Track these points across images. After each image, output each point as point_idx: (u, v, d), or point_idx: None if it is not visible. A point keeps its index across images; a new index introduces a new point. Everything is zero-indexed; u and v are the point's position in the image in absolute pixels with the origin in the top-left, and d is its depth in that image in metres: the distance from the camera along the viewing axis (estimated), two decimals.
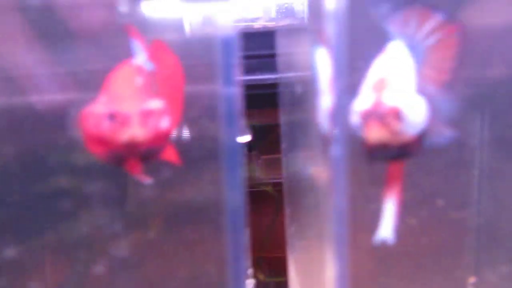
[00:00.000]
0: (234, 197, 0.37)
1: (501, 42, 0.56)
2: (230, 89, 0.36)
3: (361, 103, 0.42)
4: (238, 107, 0.37)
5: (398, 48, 0.46)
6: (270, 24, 0.83)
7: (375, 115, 0.40)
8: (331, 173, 0.39)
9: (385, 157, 0.44)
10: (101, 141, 0.37)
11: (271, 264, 1.00)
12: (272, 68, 0.76)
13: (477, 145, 0.61)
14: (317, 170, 0.54)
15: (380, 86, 0.42)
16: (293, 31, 0.70)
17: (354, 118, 0.42)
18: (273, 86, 0.74)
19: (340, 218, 0.39)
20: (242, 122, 0.62)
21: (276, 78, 0.74)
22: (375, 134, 0.41)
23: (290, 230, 0.77)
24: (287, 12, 0.84)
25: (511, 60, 0.57)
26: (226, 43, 0.36)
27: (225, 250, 0.39)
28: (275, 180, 0.93)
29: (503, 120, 0.60)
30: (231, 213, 0.37)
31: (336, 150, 0.38)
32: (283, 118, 0.74)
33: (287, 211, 0.77)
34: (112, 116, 0.36)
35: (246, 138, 0.61)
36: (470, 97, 0.58)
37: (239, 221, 0.37)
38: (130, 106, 0.37)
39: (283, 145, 0.76)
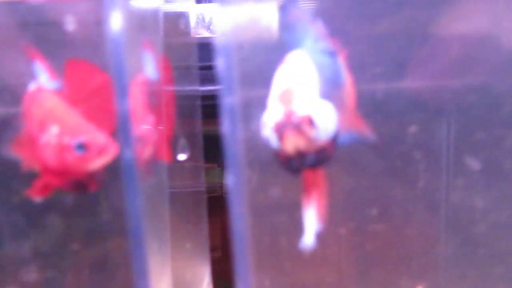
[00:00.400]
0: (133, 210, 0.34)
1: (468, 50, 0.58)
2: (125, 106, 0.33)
3: (272, 116, 0.41)
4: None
5: (298, 57, 0.46)
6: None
7: (290, 125, 0.40)
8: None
9: (303, 165, 0.44)
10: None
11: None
12: None
13: (444, 150, 0.63)
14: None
15: (287, 96, 0.42)
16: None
17: (266, 131, 0.42)
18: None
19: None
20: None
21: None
22: (292, 143, 0.40)
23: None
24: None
25: (475, 68, 0.59)
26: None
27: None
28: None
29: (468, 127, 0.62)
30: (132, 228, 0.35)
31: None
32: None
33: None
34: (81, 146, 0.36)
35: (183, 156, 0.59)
36: (436, 104, 0.61)
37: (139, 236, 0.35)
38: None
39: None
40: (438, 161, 0.63)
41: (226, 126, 0.35)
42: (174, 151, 0.56)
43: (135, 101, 0.38)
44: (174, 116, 0.49)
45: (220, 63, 0.33)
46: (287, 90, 0.43)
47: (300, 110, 0.41)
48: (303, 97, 0.42)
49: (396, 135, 0.61)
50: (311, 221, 0.46)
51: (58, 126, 0.37)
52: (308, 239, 0.46)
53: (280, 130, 0.40)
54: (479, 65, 0.61)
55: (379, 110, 0.60)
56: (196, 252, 0.71)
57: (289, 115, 0.40)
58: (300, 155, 0.41)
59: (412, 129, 0.61)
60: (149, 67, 0.42)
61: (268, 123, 0.41)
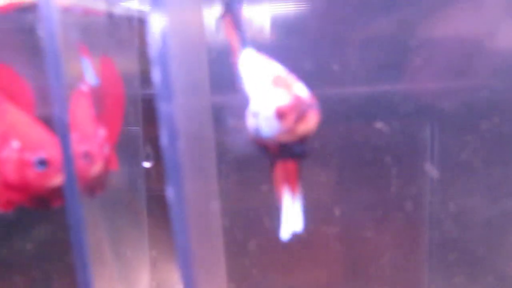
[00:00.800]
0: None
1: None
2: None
3: (268, 102, 0.40)
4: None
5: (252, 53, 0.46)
6: None
7: (308, 106, 0.39)
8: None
9: (294, 154, 0.42)
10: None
11: None
12: None
13: (428, 152, 0.64)
14: None
15: (284, 82, 0.41)
16: None
17: (256, 121, 0.40)
18: None
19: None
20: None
21: None
22: (311, 123, 0.39)
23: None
24: None
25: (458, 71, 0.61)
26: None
27: None
28: None
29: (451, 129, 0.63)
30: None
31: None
32: None
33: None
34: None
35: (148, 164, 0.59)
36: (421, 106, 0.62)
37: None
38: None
39: None
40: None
41: (165, 137, 0.34)
42: (127, 157, 0.56)
43: (81, 114, 0.37)
44: (120, 121, 0.48)
45: (156, 71, 0.33)
46: (277, 76, 0.42)
47: (304, 94, 0.40)
48: (295, 83, 0.41)
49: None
50: (291, 213, 0.44)
51: (19, 141, 0.36)
52: (285, 233, 0.43)
53: (283, 114, 0.39)
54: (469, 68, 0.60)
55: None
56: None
57: (297, 98, 0.39)
58: (296, 142, 0.40)
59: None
60: (88, 73, 0.40)
61: (262, 111, 0.40)
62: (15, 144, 0.35)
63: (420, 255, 0.69)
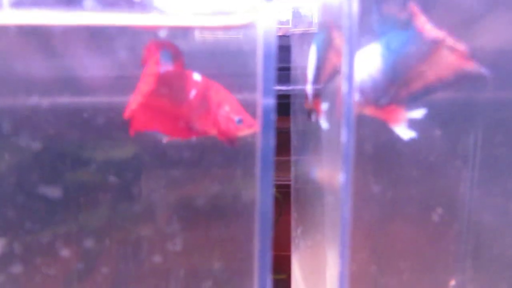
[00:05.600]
0: (265, 198, 0.42)
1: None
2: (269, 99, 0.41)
3: None
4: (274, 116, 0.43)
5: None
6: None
7: None
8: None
9: None
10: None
11: (275, 262, 1.04)
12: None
13: (469, 154, 0.66)
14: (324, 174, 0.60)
15: None
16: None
17: None
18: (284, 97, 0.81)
19: (345, 222, 0.44)
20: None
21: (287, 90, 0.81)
22: None
23: (296, 232, 0.81)
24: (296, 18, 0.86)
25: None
26: (266, 53, 0.41)
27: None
28: (279, 182, 0.99)
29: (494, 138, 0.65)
30: (262, 214, 0.42)
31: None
32: (293, 126, 0.79)
33: (294, 213, 0.82)
34: (240, 121, 0.61)
35: None
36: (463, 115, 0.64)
37: (268, 220, 0.42)
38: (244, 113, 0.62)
39: (292, 151, 0.81)
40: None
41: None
42: None
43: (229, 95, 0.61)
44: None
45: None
46: None
47: None
48: None
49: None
50: None
51: (228, 106, 0.60)
52: None
53: None
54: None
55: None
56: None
57: None
58: None
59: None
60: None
61: None
62: (226, 108, 0.61)
63: (456, 260, 0.70)
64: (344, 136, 0.40)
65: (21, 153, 0.64)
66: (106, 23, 0.58)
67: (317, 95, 0.60)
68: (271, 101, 0.42)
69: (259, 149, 0.42)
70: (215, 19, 0.58)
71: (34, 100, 0.62)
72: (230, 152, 0.64)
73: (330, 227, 0.57)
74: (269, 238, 0.43)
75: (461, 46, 0.50)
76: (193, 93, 0.62)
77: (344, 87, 0.38)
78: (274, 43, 0.41)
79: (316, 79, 0.58)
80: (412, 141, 0.56)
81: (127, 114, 0.61)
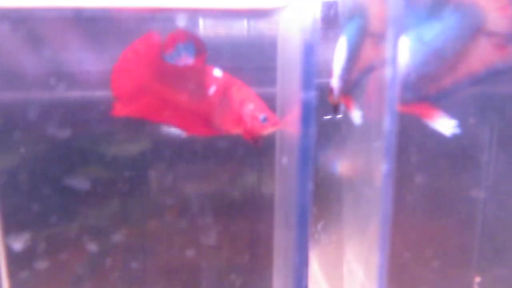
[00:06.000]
0: (304, 191, 0.40)
1: None
2: (309, 93, 0.39)
3: None
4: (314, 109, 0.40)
5: None
6: None
7: None
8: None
9: None
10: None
11: None
12: None
13: (486, 147, 0.66)
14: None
15: None
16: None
17: None
18: None
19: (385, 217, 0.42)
20: None
21: None
22: None
23: (316, 227, 0.80)
24: None
25: None
26: (308, 47, 0.38)
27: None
28: None
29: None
30: (300, 207, 0.40)
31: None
32: None
33: (314, 208, 0.80)
34: (265, 119, 0.59)
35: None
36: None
37: (307, 214, 0.41)
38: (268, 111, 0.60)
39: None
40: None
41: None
42: None
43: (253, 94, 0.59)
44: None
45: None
46: None
47: None
48: None
49: None
50: None
51: (253, 104, 0.58)
52: None
53: None
54: None
55: None
56: None
57: None
58: None
59: None
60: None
61: None
62: (250, 106, 0.59)
63: (470, 258, 0.70)
64: (387, 124, 0.38)
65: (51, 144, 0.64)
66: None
67: (348, 88, 0.58)
68: (312, 95, 0.40)
69: (298, 145, 0.40)
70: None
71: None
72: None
73: (360, 220, 0.56)
74: (306, 233, 0.41)
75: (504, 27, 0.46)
76: (213, 89, 0.60)
77: (388, 72, 0.36)
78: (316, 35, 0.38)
79: (347, 71, 0.56)
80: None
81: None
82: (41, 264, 0.67)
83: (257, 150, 0.69)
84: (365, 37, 0.50)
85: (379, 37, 0.45)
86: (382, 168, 0.39)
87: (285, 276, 0.49)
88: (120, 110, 0.59)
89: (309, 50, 0.38)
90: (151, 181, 0.71)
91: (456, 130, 0.50)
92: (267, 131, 0.59)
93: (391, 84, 0.37)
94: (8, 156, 0.66)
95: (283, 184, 0.61)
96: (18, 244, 0.66)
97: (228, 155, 0.73)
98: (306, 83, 0.38)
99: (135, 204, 0.70)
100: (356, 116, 0.55)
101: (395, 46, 0.36)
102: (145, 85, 0.59)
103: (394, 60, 0.36)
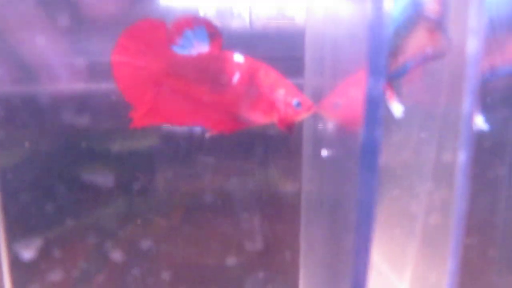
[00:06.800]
0: (368, 192, 0.34)
1: None
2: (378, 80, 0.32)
3: None
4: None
5: None
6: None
7: None
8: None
9: None
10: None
11: None
12: None
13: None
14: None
15: None
16: None
17: None
18: None
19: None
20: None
21: None
22: None
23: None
24: None
25: None
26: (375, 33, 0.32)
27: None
28: None
29: None
30: (363, 208, 0.35)
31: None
32: None
33: None
34: (299, 104, 0.54)
35: None
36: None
37: (370, 216, 0.35)
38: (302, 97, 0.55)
39: None
40: None
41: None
42: None
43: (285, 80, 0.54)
44: None
45: None
46: None
47: None
48: None
49: None
50: None
51: (284, 89, 0.53)
52: None
53: None
54: None
55: None
56: None
57: None
58: None
59: None
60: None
61: None
62: (281, 91, 0.54)
63: (491, 257, 0.68)
64: (467, 106, 0.33)
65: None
66: None
67: (389, 79, 0.52)
68: (380, 82, 0.33)
69: (361, 145, 0.34)
70: None
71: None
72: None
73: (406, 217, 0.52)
74: (370, 235, 0.36)
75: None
76: (236, 77, 0.53)
77: (471, 45, 0.31)
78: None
79: (390, 61, 0.51)
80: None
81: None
82: (45, 262, 0.66)
83: (286, 138, 0.66)
84: (418, 23, 0.45)
85: (437, 24, 0.42)
86: (458, 157, 0.34)
87: (336, 280, 0.44)
88: (139, 121, 0.52)
89: (379, 23, 0.31)
90: (159, 180, 0.69)
91: (485, 126, 0.48)
92: (301, 117, 0.54)
93: (474, 60, 0.32)
94: (12, 153, 0.63)
95: (318, 180, 0.56)
96: (21, 243, 0.64)
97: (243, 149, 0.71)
98: (374, 67, 0.32)
99: (147, 201, 0.69)
100: (396, 107, 0.50)
101: (480, 14, 0.31)
102: (156, 83, 0.52)
103: (479, 31, 0.31)
